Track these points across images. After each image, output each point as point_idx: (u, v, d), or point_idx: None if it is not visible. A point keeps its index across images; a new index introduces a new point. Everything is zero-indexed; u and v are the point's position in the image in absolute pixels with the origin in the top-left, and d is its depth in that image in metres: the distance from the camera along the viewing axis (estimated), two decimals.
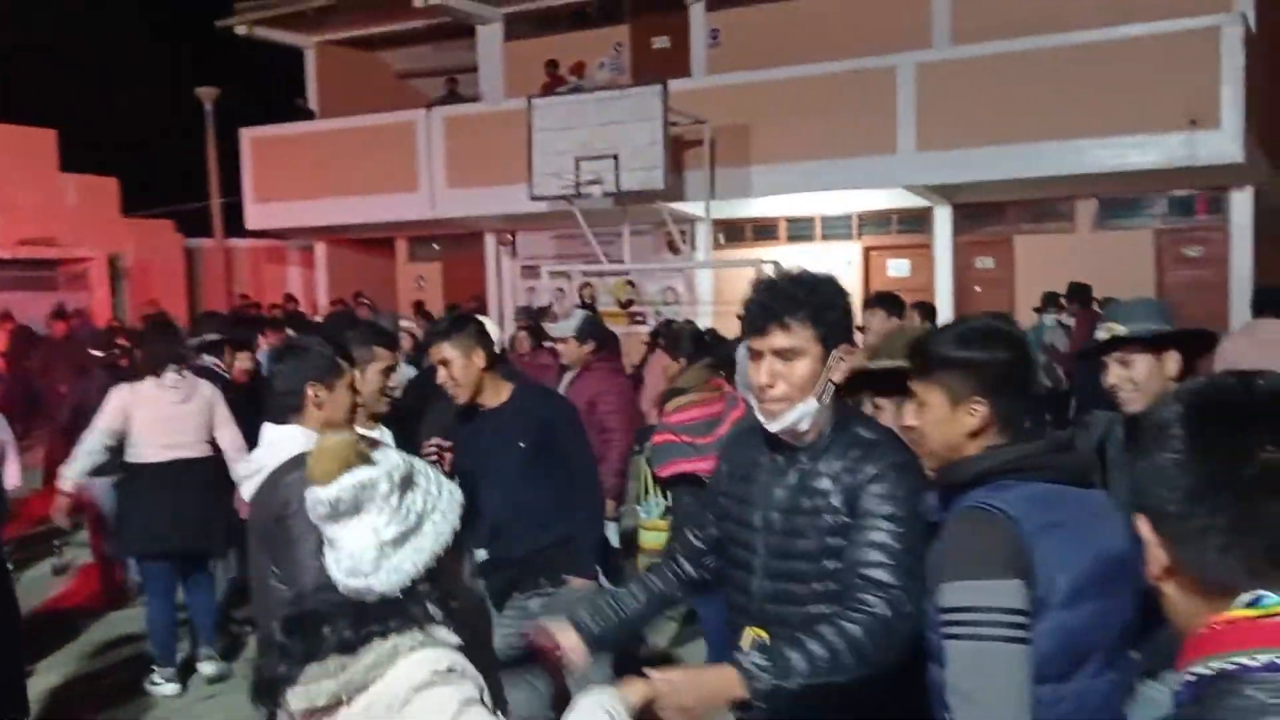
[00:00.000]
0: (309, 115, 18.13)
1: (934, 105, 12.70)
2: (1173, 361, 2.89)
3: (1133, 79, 11.61)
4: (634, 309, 15.88)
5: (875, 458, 2.30)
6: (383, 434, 3.62)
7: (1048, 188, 13.16)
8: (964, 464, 2.06)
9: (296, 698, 1.74)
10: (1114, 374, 2.96)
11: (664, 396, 4.75)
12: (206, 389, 5.73)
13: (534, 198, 13.83)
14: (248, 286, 19.85)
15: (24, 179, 17.71)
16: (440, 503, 1.85)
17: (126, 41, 26.87)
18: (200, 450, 5.65)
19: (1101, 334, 3.01)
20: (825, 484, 2.32)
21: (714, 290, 15.17)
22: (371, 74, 19.17)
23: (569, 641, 2.50)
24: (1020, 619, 1.86)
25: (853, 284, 13.89)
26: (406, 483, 1.81)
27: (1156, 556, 1.21)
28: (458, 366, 3.82)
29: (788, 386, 2.30)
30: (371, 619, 1.75)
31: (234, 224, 18.54)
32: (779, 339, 2.31)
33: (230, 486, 4.92)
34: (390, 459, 1.82)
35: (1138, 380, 2.89)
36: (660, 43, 16.18)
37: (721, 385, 4.72)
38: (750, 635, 2.38)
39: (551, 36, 16.88)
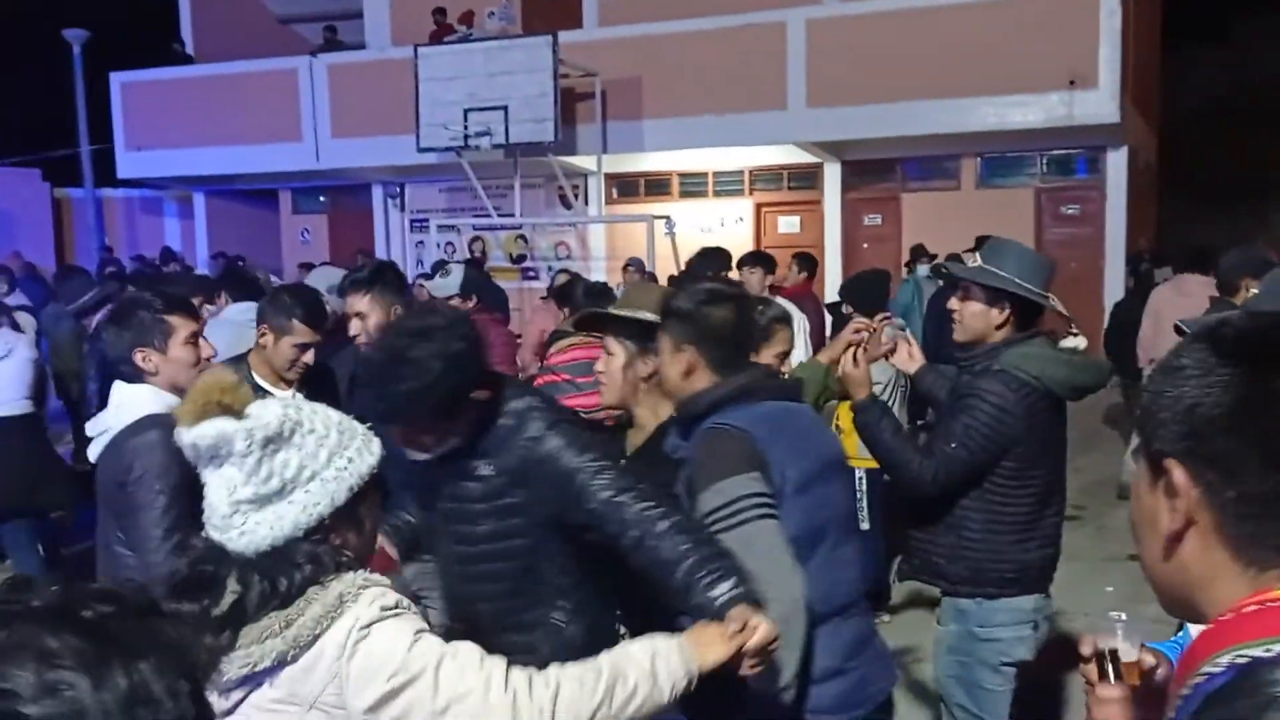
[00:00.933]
0: (186, 60, 17.38)
1: (824, 61, 12.76)
2: (999, 314, 3.09)
3: (1016, 39, 11.83)
4: (526, 264, 15.74)
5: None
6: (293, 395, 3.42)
7: (934, 145, 13.36)
8: (697, 397, 2.43)
9: (234, 663, 1.62)
10: (953, 301, 3.27)
11: (547, 342, 4.72)
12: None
13: (421, 149, 13.52)
14: (122, 239, 19.04)
15: None
16: (325, 470, 1.69)
17: None
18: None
19: (968, 260, 3.15)
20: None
21: (607, 245, 15.09)
22: (251, 18, 18.46)
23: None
24: (767, 499, 2.26)
25: (745, 240, 13.94)
26: (273, 443, 1.65)
27: (1184, 509, 1.03)
28: (375, 322, 3.52)
29: None
30: (272, 572, 1.63)
31: (106, 173, 17.74)
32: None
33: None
34: (263, 416, 1.66)
35: (964, 317, 3.17)
36: None
37: None
38: None
39: None
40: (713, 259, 6.38)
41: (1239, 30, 20.18)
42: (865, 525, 5.34)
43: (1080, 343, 3.47)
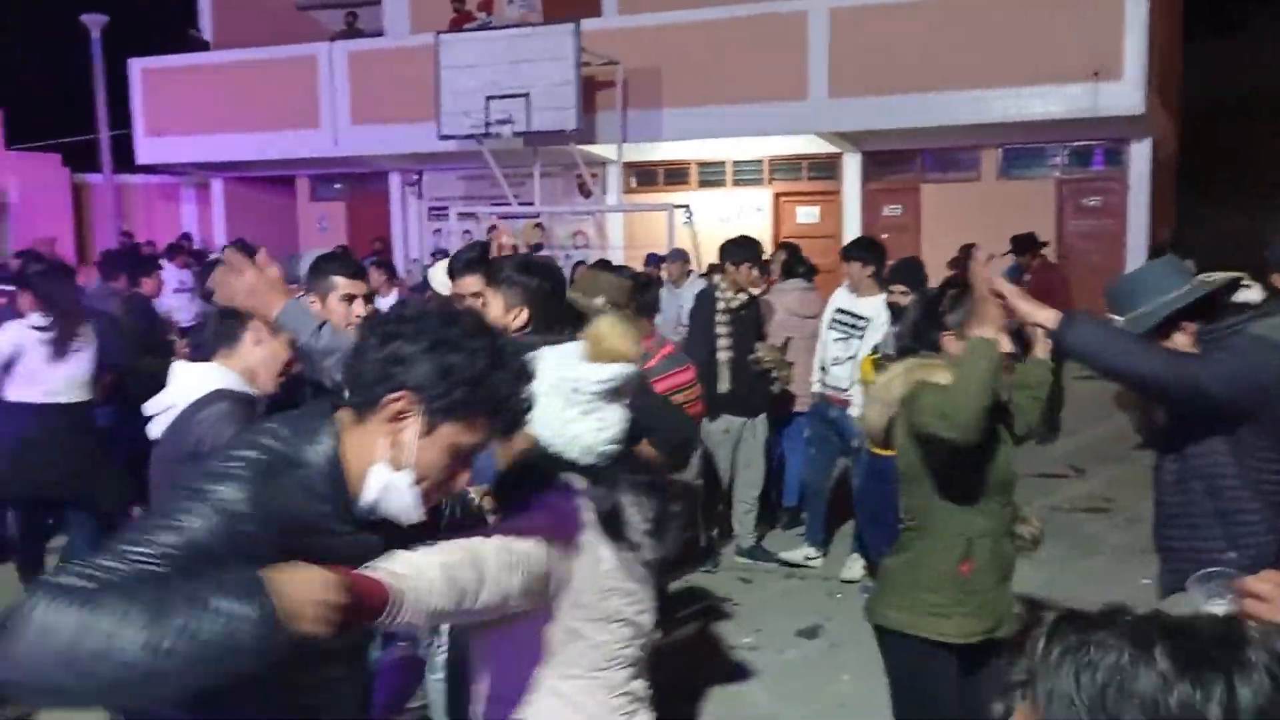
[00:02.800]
0: (204, 46, 17.39)
1: (845, 51, 12.72)
2: (1188, 335, 2.91)
3: (1039, 30, 11.78)
4: (544, 253, 15.73)
5: None
6: None
7: (955, 136, 13.33)
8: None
9: None
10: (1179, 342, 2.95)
11: None
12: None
13: (442, 136, 13.51)
14: (140, 224, 19.06)
15: None
16: None
17: None
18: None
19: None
20: None
21: (625, 234, 15.09)
22: (270, 4, 18.45)
23: None
24: None
25: (763, 230, 13.93)
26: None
27: None
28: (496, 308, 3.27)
29: None
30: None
31: (125, 159, 17.76)
32: None
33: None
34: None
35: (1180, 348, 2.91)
36: None
37: (649, 326, 4.75)
38: None
39: None
40: (745, 247, 6.45)
41: (1257, 22, 20.08)
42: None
43: (1254, 295, 3.36)
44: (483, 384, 1.71)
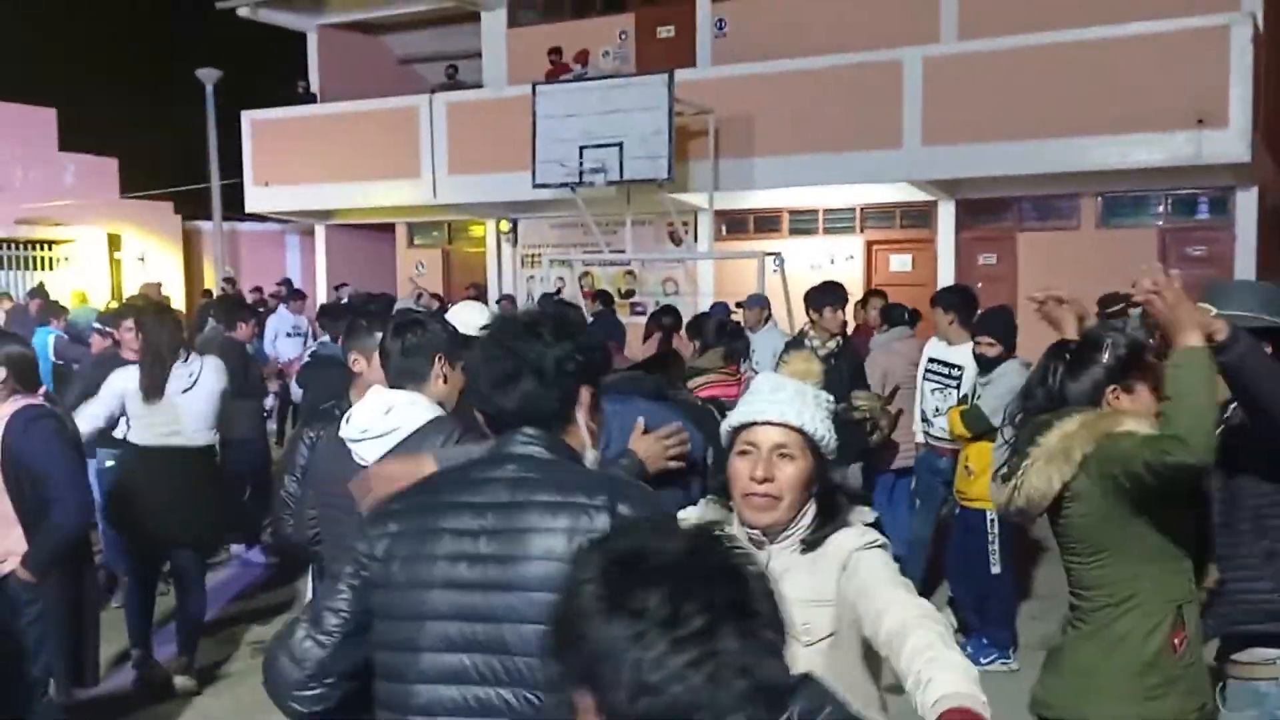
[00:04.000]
0: (311, 99, 18.04)
1: (940, 99, 12.65)
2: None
3: (1140, 76, 11.57)
4: (634, 299, 15.87)
5: None
6: None
7: (1052, 184, 13.12)
8: None
9: None
10: None
11: (684, 376, 4.80)
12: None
13: (537, 185, 13.76)
14: (247, 269, 19.76)
15: (23, 158, 17.63)
16: None
17: (129, 20, 26.76)
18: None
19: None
20: None
21: (715, 281, 15.12)
22: (373, 58, 19.10)
23: None
24: None
25: (855, 278, 13.86)
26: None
27: None
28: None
29: None
30: None
31: (234, 207, 18.46)
32: None
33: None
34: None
35: None
36: (665, 32, 16.10)
37: (736, 370, 4.76)
38: None
39: (555, 24, 16.79)
40: (828, 291, 6.51)
41: None
42: (996, 569, 5.24)
43: None
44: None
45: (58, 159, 18.47)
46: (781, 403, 2.25)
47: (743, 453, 2.25)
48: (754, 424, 2.25)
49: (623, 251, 14.57)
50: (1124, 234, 13.45)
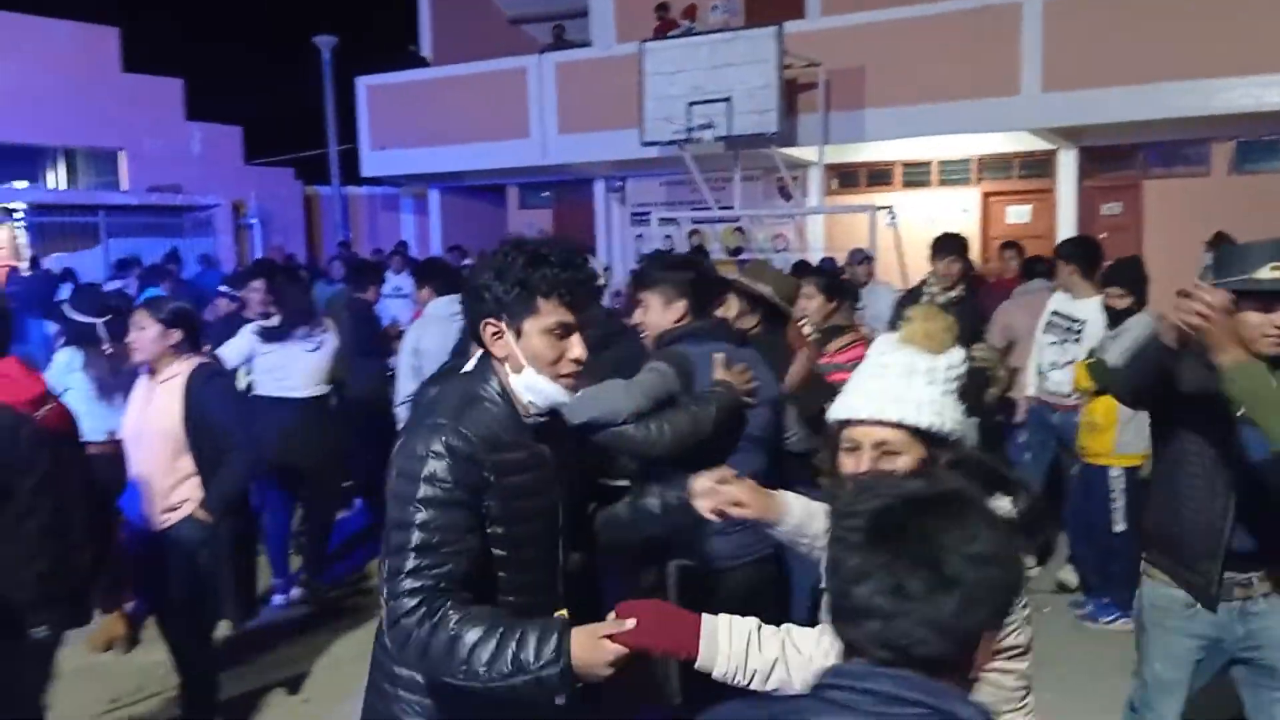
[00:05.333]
0: (423, 62, 18.30)
1: (1060, 44, 12.21)
2: None
3: (1270, 14, 10.98)
4: (742, 256, 15.79)
5: None
6: None
7: (1180, 129, 12.58)
8: (670, 331, 3.50)
9: None
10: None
11: (824, 335, 4.79)
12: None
13: (645, 143, 13.75)
14: (364, 233, 20.27)
15: (152, 127, 18.34)
16: None
17: None
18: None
19: (1265, 273, 2.79)
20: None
21: (825, 237, 14.96)
22: (484, 20, 19.24)
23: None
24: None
25: (971, 230, 13.54)
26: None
27: None
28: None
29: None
30: None
31: (350, 171, 18.92)
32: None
33: None
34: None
35: None
36: None
37: (860, 327, 4.78)
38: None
39: None
40: (947, 241, 6.48)
41: None
42: (1120, 527, 5.12)
43: None
44: (527, 279, 2.18)
45: (185, 128, 19.17)
46: (880, 395, 2.03)
47: (848, 449, 2.06)
48: (851, 421, 2.06)
49: (731, 208, 14.49)
50: (1259, 180, 12.85)
